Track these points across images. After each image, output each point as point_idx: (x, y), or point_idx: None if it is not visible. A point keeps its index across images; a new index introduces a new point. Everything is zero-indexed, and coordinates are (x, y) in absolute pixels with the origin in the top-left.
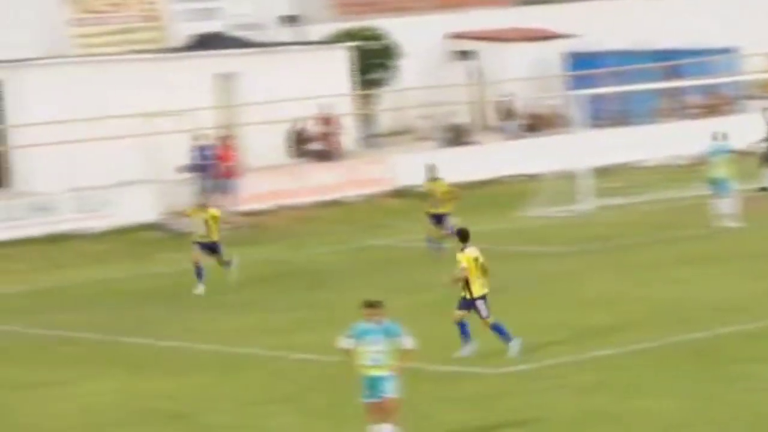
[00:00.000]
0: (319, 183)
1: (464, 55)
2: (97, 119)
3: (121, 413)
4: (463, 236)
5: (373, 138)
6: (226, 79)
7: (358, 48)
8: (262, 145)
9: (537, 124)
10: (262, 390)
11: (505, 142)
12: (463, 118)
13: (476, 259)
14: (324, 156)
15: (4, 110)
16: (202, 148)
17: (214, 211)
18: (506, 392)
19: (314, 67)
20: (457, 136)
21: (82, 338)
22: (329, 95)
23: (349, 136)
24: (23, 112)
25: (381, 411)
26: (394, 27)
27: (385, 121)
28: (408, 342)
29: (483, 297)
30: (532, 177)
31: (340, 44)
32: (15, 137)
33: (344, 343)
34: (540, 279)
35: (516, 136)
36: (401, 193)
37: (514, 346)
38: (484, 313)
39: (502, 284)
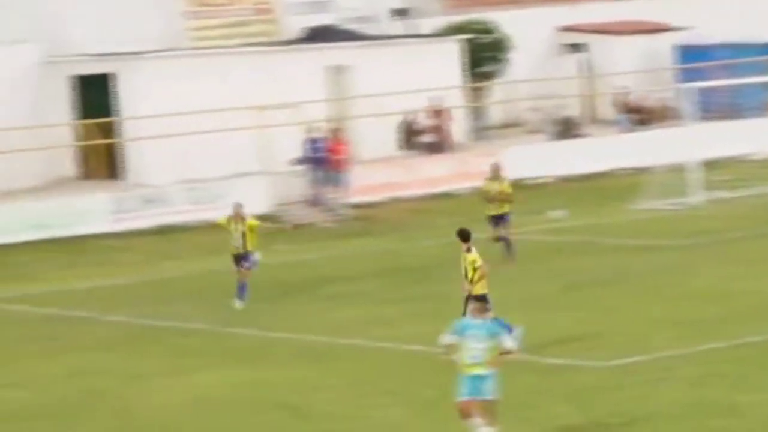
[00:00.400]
0: (430, 175)
1: (574, 48)
2: (210, 112)
3: (231, 404)
4: (464, 237)
5: (483, 130)
6: (338, 71)
7: (469, 41)
8: (373, 138)
9: (647, 117)
10: (370, 381)
11: (614, 135)
12: (572, 111)
13: (473, 262)
14: (434, 148)
15: (118, 103)
16: (314, 141)
17: (252, 221)
18: (614, 385)
19: (425, 60)
20: (566, 129)
21: (194, 329)
22: (440, 88)
23: (459, 128)
24: (137, 104)
25: (478, 411)
26: (505, 20)
27: (496, 113)
28: (508, 342)
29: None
30: (641, 170)
31: (451, 37)
32: (129, 130)
33: (446, 339)
34: (649, 272)
35: (629, 129)
36: (511, 186)
37: (516, 336)
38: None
39: (612, 277)
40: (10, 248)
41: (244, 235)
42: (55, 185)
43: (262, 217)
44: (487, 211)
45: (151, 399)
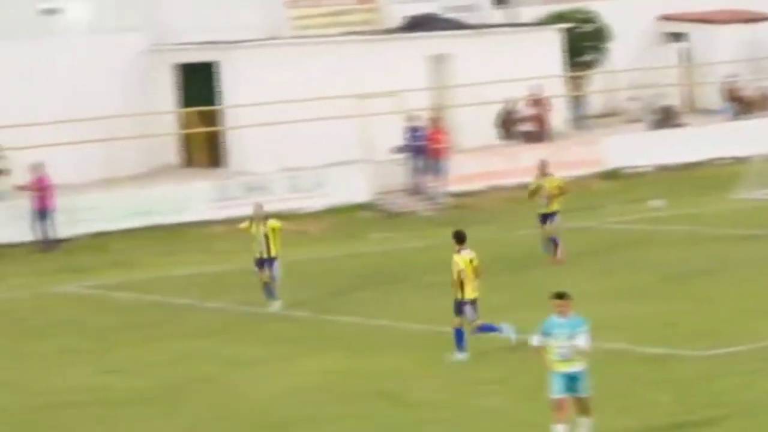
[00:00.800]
0: (529, 164)
1: (675, 37)
2: (311, 100)
3: (333, 391)
4: (459, 238)
5: (583, 119)
6: (439, 60)
7: (569, 30)
8: (472, 127)
9: (746, 106)
10: (470, 369)
11: (714, 124)
12: (672, 100)
13: (471, 261)
14: (534, 137)
15: (220, 91)
16: (414, 129)
17: (274, 222)
18: (713, 375)
19: (526, 49)
20: (666, 118)
21: (296, 317)
22: (540, 77)
23: (558, 117)
24: (239, 92)
25: (572, 408)
26: (605, 9)
27: (595, 103)
28: (581, 340)
29: (473, 301)
30: (741, 159)
31: (551, 26)
32: (231, 118)
33: (534, 340)
34: (748, 262)
35: (731, 118)
36: (610, 175)
37: (508, 331)
38: (470, 316)
39: (711, 267)
40: (112, 235)
41: (267, 237)
42: (158, 173)
43: (362, 206)
44: (538, 209)
45: (251, 386)
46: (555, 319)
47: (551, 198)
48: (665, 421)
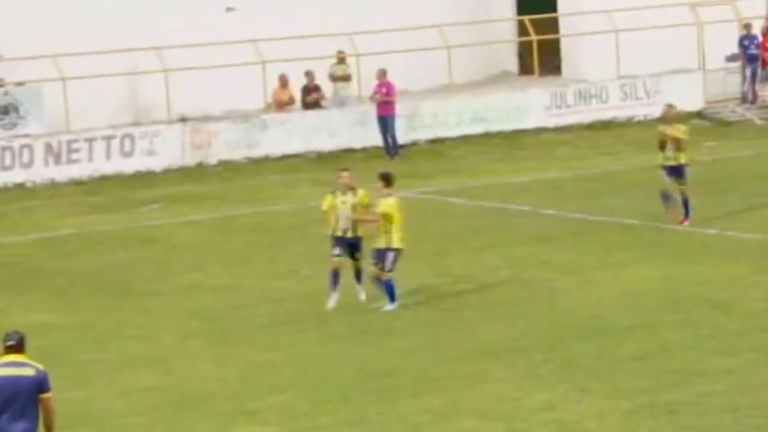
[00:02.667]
0: None
1: None
2: (645, 8)
3: (660, 299)
4: (388, 181)
5: None
6: None
7: None
8: None
9: None
10: None
11: None
12: None
13: (399, 209)
14: None
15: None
16: (749, 38)
17: (365, 195)
18: None
19: None
20: None
21: (627, 224)
22: None
23: None
24: (575, 0)
25: None
26: None
27: None
28: None
29: (398, 250)
30: None
31: None
32: (567, 25)
33: None
34: None
35: None
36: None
37: (390, 307)
38: (389, 264)
39: None
40: (449, 141)
41: (354, 210)
42: (494, 80)
43: (695, 114)
44: (662, 160)
45: (583, 292)
46: None
47: (677, 149)
48: None
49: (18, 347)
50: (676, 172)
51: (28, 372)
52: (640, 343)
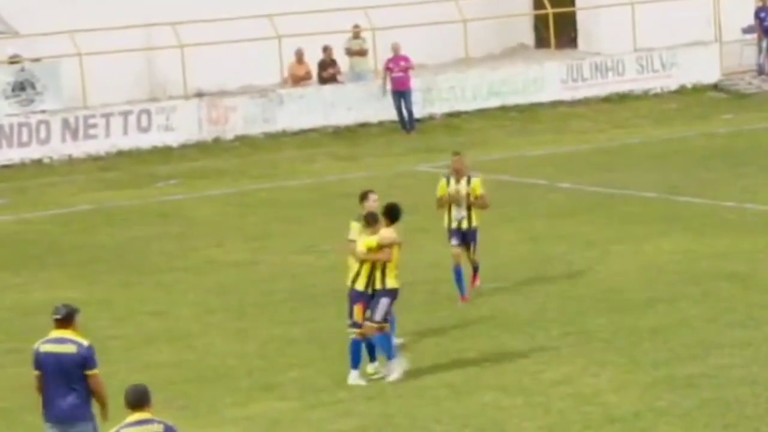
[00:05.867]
0: None
1: None
2: None
3: (679, 272)
4: (393, 215)
5: None
6: None
7: None
8: None
9: None
10: None
11: None
12: None
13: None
14: None
15: None
16: (764, 10)
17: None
18: None
19: None
20: None
21: (645, 197)
22: None
23: None
24: None
25: None
26: None
27: None
28: None
29: (395, 291)
30: None
31: None
32: None
33: None
34: None
35: None
36: None
37: (395, 372)
38: (382, 313)
39: None
40: (465, 115)
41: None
42: (511, 53)
43: (711, 87)
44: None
45: (603, 265)
46: None
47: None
48: None
49: (64, 321)
50: (466, 237)
51: (70, 349)
52: (658, 317)
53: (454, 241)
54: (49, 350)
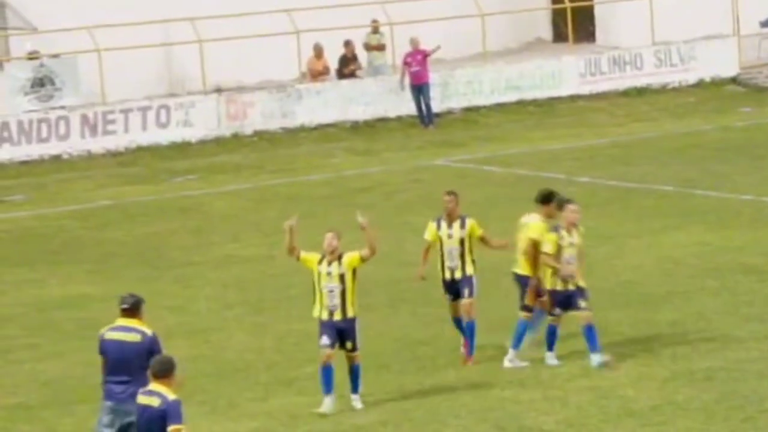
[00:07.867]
0: None
1: None
2: None
3: (696, 265)
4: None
5: None
6: None
7: None
8: None
9: None
10: None
11: None
12: None
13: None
14: None
15: None
16: None
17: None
18: None
19: None
20: None
21: (662, 191)
22: None
23: None
24: None
25: None
26: None
27: None
28: None
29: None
30: None
31: None
32: None
33: None
34: None
35: None
36: None
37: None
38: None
39: None
40: (483, 110)
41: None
42: (528, 48)
43: (729, 80)
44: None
45: (619, 259)
46: None
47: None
48: None
49: (131, 311)
50: (455, 288)
51: (135, 338)
52: (676, 310)
53: (449, 297)
54: (114, 337)
